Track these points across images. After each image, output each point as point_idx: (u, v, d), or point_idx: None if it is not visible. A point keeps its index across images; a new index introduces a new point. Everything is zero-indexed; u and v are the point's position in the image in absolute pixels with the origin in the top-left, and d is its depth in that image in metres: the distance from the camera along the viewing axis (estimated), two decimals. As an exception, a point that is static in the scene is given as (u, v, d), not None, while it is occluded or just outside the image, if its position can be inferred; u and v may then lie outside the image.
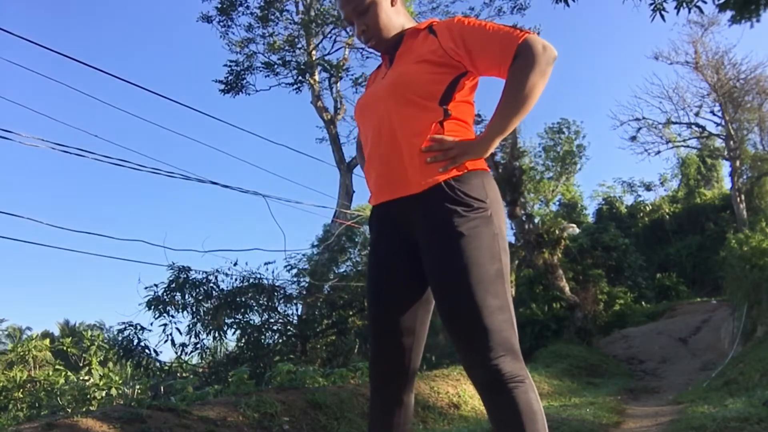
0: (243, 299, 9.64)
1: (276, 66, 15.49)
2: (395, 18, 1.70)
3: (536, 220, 16.52)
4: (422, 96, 1.57)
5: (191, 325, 9.32)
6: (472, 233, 1.48)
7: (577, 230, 16.82)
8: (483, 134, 1.57)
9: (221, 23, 15.50)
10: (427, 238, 1.53)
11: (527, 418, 1.39)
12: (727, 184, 26.85)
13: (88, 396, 6.60)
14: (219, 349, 10.30)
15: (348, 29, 15.57)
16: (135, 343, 8.93)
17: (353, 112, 1.95)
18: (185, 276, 9.24)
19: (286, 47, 15.52)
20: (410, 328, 1.65)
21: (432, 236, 1.52)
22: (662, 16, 6.06)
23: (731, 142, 23.94)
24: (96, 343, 9.00)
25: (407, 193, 1.57)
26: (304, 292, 10.56)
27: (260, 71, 15.74)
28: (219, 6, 15.21)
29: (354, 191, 15.58)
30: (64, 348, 9.36)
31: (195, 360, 9.95)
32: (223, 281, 9.60)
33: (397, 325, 1.64)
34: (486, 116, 16.80)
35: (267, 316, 9.98)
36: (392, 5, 1.69)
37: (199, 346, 9.49)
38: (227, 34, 15.61)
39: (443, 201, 1.52)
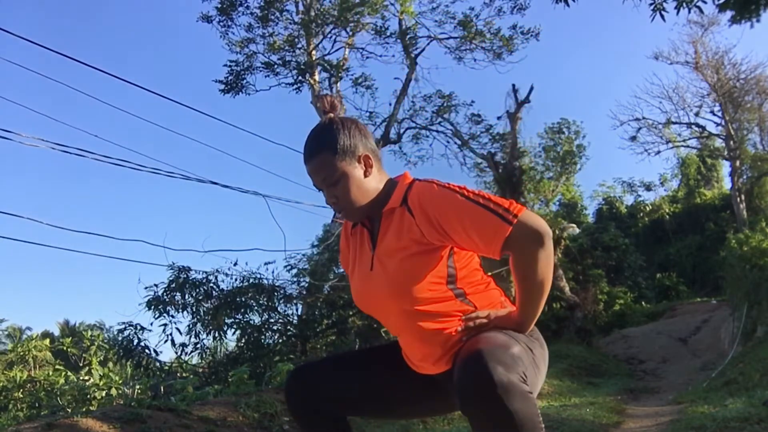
0: (243, 299, 9.63)
1: (276, 66, 15.46)
2: (368, 185, 1.54)
3: (536, 220, 16.47)
4: (430, 292, 1.48)
5: (191, 325, 9.31)
6: (515, 335, 1.45)
7: (577, 230, 16.82)
8: (518, 320, 1.50)
9: (221, 23, 15.48)
10: None
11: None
12: (727, 184, 26.87)
13: (88, 396, 6.60)
14: (219, 349, 10.29)
15: (347, 30, 15.60)
16: (135, 343, 8.92)
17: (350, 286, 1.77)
18: (185, 276, 9.23)
19: (286, 47, 15.49)
20: (367, 394, 1.65)
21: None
22: (662, 16, 6.07)
23: (731, 142, 23.93)
24: (96, 343, 9.01)
25: (445, 369, 1.54)
26: (304, 292, 10.54)
27: (260, 71, 15.71)
28: (219, 6, 15.19)
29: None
30: (64, 348, 9.37)
31: (195, 360, 9.95)
32: (223, 281, 9.59)
33: (361, 383, 1.64)
34: (485, 116, 16.71)
35: (267, 316, 9.97)
36: (365, 176, 1.54)
37: (199, 346, 9.48)
38: (227, 34, 15.58)
39: None
